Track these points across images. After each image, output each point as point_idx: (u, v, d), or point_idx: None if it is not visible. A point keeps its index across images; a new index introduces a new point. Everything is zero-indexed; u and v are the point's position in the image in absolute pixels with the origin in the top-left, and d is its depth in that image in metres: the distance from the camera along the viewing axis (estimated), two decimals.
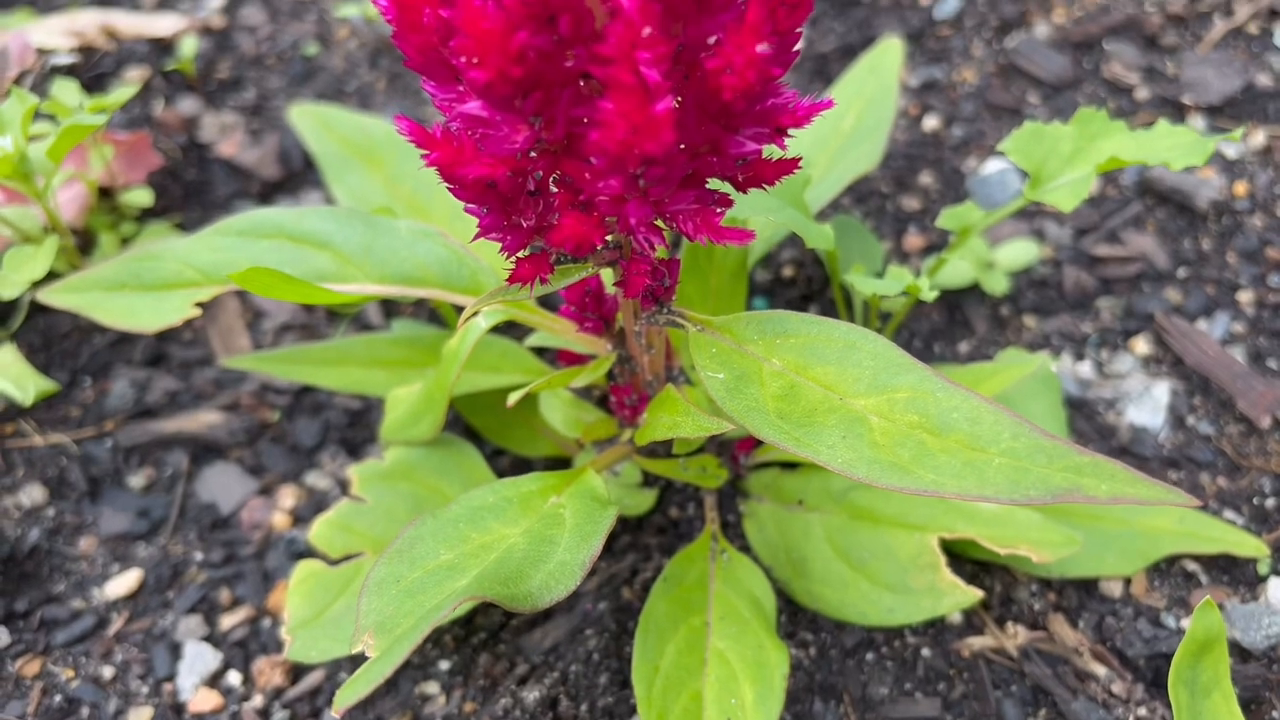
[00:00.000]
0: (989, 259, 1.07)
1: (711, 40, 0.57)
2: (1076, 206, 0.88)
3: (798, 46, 0.60)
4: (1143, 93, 1.22)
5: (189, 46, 1.22)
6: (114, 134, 1.08)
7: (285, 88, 1.26)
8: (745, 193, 0.65)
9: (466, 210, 0.63)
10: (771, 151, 0.66)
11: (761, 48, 0.54)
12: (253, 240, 0.82)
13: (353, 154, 1.03)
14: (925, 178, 1.17)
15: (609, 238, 0.66)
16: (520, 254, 0.65)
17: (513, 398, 0.75)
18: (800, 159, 0.63)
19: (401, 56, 1.28)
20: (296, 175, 1.18)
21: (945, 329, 1.06)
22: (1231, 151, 1.17)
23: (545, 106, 0.56)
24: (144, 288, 0.83)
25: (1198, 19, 1.30)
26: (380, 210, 0.83)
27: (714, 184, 0.65)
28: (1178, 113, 1.20)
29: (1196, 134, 0.85)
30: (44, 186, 0.91)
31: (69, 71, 1.22)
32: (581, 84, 0.57)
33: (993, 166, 1.16)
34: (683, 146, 0.59)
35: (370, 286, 0.80)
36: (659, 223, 0.63)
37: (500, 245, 0.63)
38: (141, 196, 1.05)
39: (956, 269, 1.03)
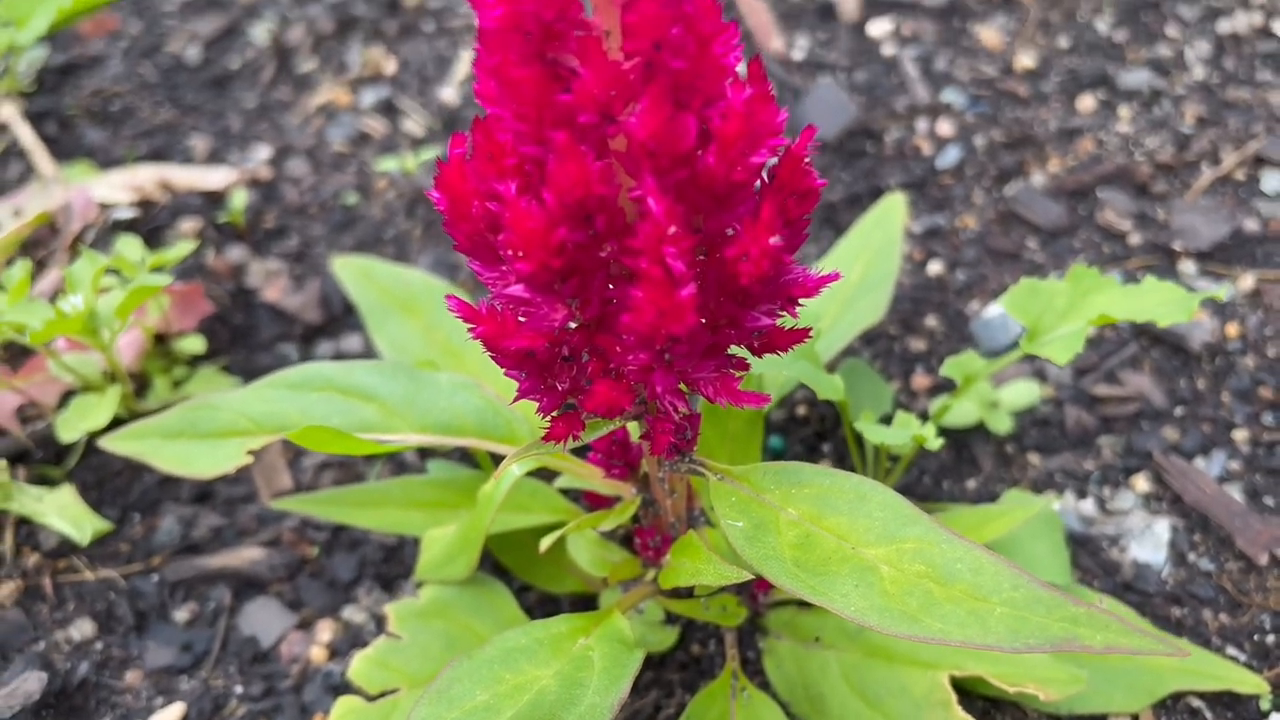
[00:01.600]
0: (993, 399, 1.12)
1: (730, 230, 0.64)
2: (1071, 360, 0.94)
3: (807, 230, 0.67)
4: (1135, 238, 1.29)
5: (239, 199, 1.31)
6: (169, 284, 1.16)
7: (326, 235, 1.35)
8: (761, 357, 0.71)
9: (506, 374, 0.69)
10: (785, 319, 0.72)
11: (774, 240, 0.61)
12: (304, 392, 0.88)
13: (392, 303, 1.11)
14: (931, 320, 1.23)
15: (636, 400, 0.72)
16: (554, 413, 0.71)
17: (545, 543, 0.80)
18: (810, 329, 0.69)
19: (435, 207, 1.37)
20: (337, 319, 1.25)
21: (953, 466, 1.11)
22: (1223, 295, 1.23)
23: (581, 290, 0.63)
24: (200, 436, 0.89)
25: (1186, 167, 1.38)
26: (422, 363, 0.90)
27: (732, 349, 0.71)
28: (1169, 258, 1.26)
29: (1182, 291, 0.91)
30: (109, 339, 0.98)
31: (129, 226, 1.31)
32: (612, 267, 0.64)
33: (995, 310, 1.23)
34: (704, 321, 0.66)
35: (413, 436, 0.86)
36: (682, 386, 0.69)
37: (537, 406, 0.70)
38: (194, 344, 1.12)
39: (962, 410, 1.09)
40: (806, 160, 0.65)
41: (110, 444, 0.91)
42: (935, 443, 0.88)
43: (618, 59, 0.57)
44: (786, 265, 0.66)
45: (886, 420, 1.10)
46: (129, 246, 1.10)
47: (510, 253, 0.60)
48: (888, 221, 1.11)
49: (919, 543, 0.69)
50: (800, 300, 0.70)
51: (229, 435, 0.89)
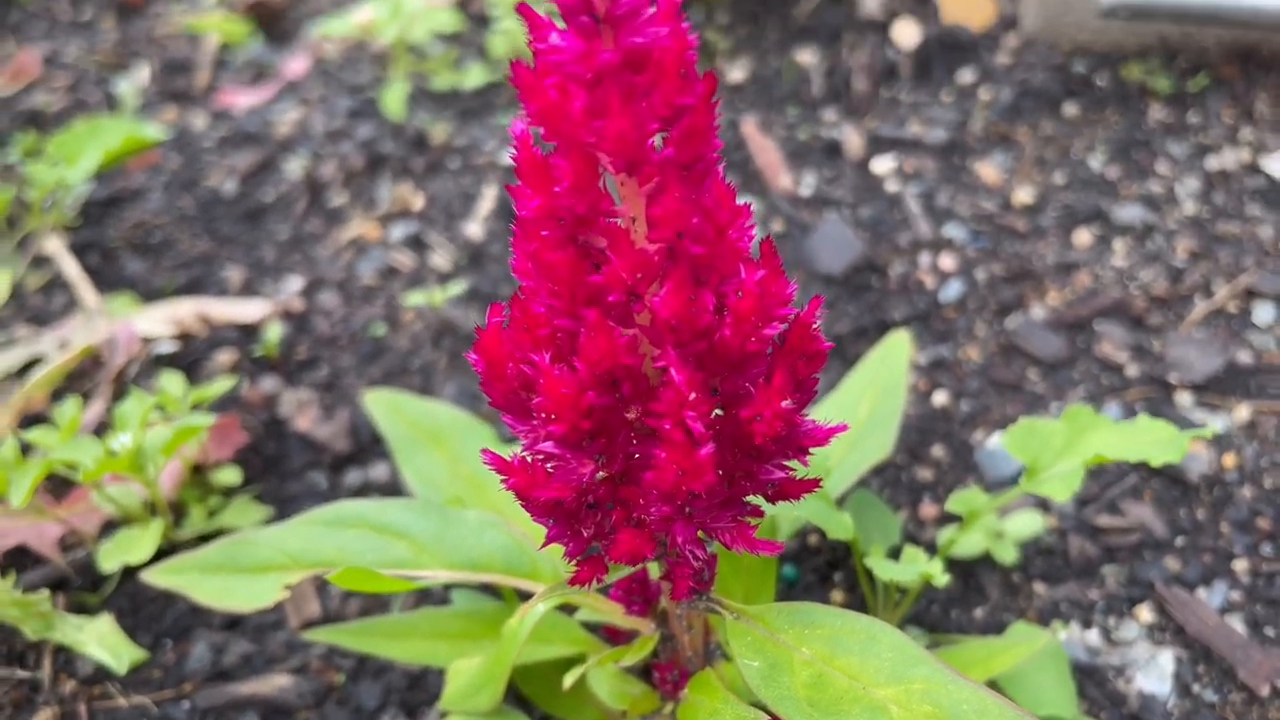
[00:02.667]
0: (998, 530, 1.16)
1: (745, 388, 0.69)
2: (1069, 498, 0.98)
3: (816, 387, 0.73)
4: (1132, 370, 1.34)
5: (273, 333, 1.37)
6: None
7: (356, 366, 1.41)
8: (775, 504, 0.76)
9: (535, 520, 0.73)
10: (796, 467, 0.77)
11: (786, 403, 0.66)
12: (339, 530, 0.93)
13: (419, 436, 1.16)
14: (937, 450, 1.28)
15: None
16: (580, 558, 0.76)
17: (569, 679, 0.83)
18: (820, 480, 0.74)
19: (461, 338, 1.43)
20: (365, 448, 1.30)
21: (961, 596, 1.14)
22: (1219, 426, 1.28)
23: (607, 447, 0.68)
24: (239, 570, 0.94)
25: (1179, 300, 1.44)
26: (450, 500, 0.94)
27: (747, 497, 0.75)
28: (1165, 390, 1.31)
29: (1173, 430, 0.96)
30: (154, 474, 1.03)
31: (170, 360, 1.37)
32: (635, 425, 0.69)
33: (998, 440, 1.27)
34: (721, 473, 0.70)
35: (443, 573, 0.90)
36: (700, 534, 0.73)
37: (564, 551, 0.74)
38: (230, 476, 1.17)
39: (968, 542, 1.13)
40: (814, 326, 0.71)
41: (152, 577, 0.95)
42: (941, 579, 0.92)
43: (643, 245, 0.63)
44: (798, 422, 0.71)
45: (895, 552, 1.14)
46: (172, 382, 1.16)
47: (543, 415, 0.66)
48: (893, 358, 1.16)
49: (926, 683, 0.72)
50: (811, 450, 0.74)
51: (267, 570, 0.93)
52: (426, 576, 0.90)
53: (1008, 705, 0.69)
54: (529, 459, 0.72)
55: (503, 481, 0.72)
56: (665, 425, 0.64)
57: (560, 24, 0.59)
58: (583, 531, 0.74)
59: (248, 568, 0.94)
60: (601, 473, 0.70)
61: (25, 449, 1.16)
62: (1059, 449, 0.98)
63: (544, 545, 0.73)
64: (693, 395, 0.63)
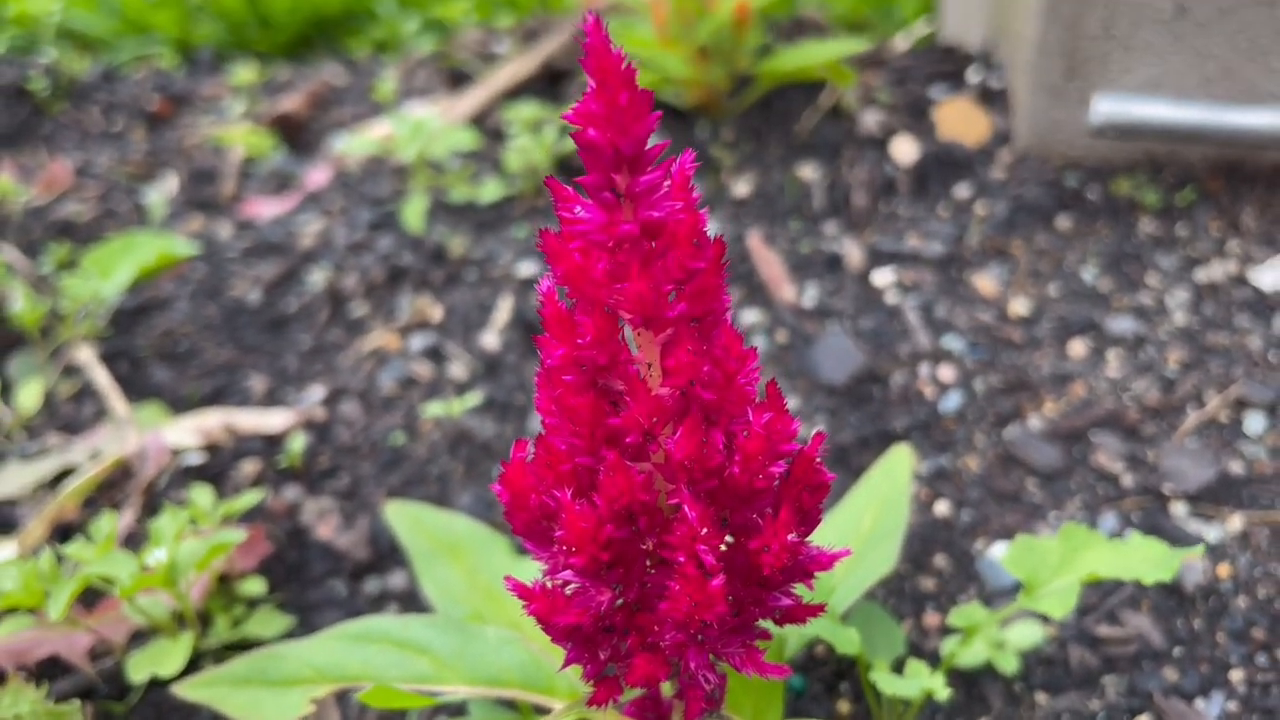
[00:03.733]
0: (1000, 639, 1.19)
1: (753, 517, 0.74)
2: (1065, 615, 1.02)
3: (821, 516, 0.77)
4: (1127, 480, 1.39)
5: (296, 444, 1.42)
6: (234, 525, 1.26)
7: (375, 474, 1.46)
8: (782, 627, 0.80)
9: (554, 643, 0.78)
10: (802, 591, 0.81)
11: (791, 537, 0.71)
12: (364, 645, 0.97)
13: (438, 548, 1.20)
14: (939, 560, 1.32)
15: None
16: (596, 679, 0.80)
17: None
18: (825, 605, 0.78)
19: (476, 447, 1.48)
20: (384, 557, 1.35)
21: (964, 705, 1.17)
22: (1212, 536, 1.32)
23: (624, 576, 0.72)
24: (267, 684, 0.98)
25: (1172, 410, 1.48)
26: (471, 617, 0.98)
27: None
28: (1160, 501, 1.35)
29: (1164, 548, 1.00)
30: (185, 589, 1.07)
31: (198, 471, 1.42)
32: (650, 554, 0.73)
33: (999, 550, 1.31)
34: (731, 599, 0.75)
35: (463, 688, 0.94)
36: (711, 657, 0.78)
37: (582, 672, 0.78)
38: (255, 586, 1.21)
39: (970, 653, 1.16)
40: (817, 460, 0.76)
41: (182, 690, 0.99)
42: (943, 694, 0.95)
43: (659, 390, 0.69)
44: (804, 551, 0.76)
45: (900, 663, 1.17)
46: (202, 495, 1.21)
47: (564, 547, 0.70)
48: (896, 472, 1.21)
49: None
50: (815, 574, 0.79)
51: (294, 684, 0.97)
52: (447, 692, 0.94)
53: None
54: (549, 584, 0.77)
55: (524, 607, 0.76)
56: (679, 557, 0.69)
57: (584, 195, 0.66)
58: (600, 654, 0.78)
59: (275, 681, 0.97)
60: (619, 600, 0.74)
61: (59, 556, 1.21)
62: (1055, 566, 1.02)
63: (563, 667, 0.77)
64: (704, 530, 0.68)
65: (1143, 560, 0.99)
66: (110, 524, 1.09)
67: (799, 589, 0.78)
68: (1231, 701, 1.14)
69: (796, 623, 0.79)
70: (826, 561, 0.79)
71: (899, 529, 1.15)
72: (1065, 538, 1.03)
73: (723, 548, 0.72)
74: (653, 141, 0.62)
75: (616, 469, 0.67)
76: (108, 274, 1.61)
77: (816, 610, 0.78)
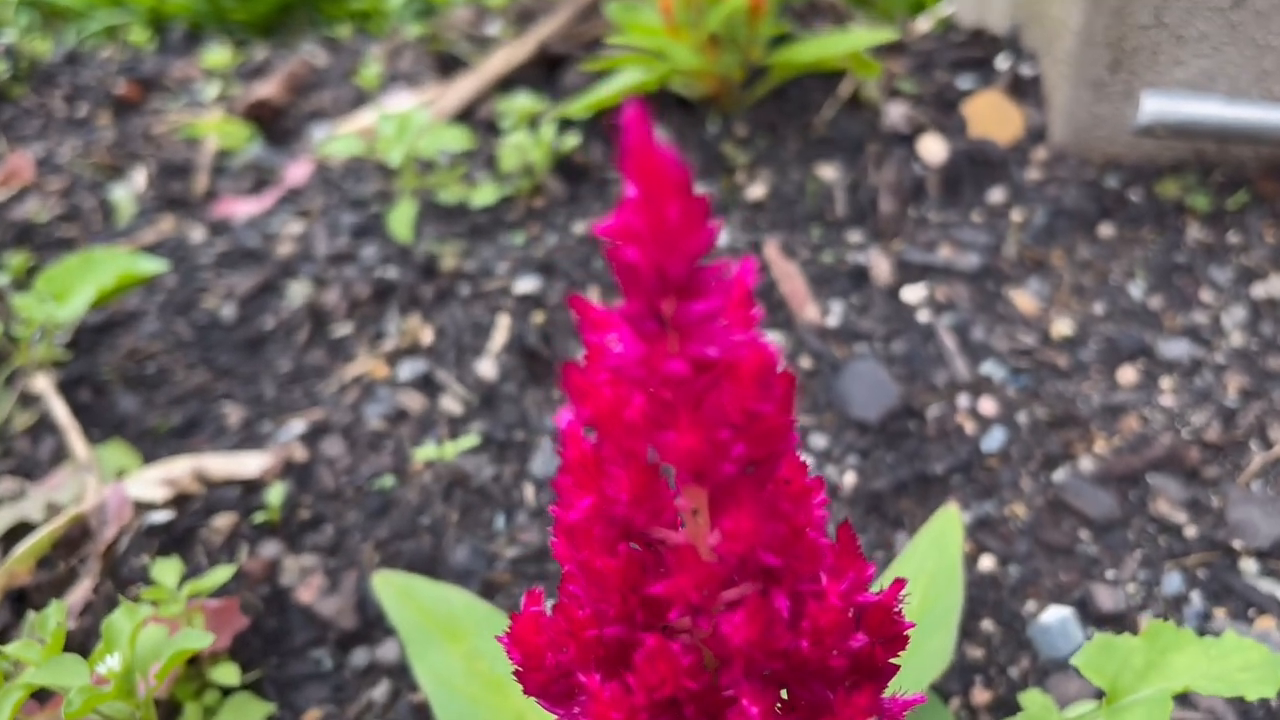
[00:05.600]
0: None
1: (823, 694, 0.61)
2: None
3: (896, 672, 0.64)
4: (1191, 531, 1.26)
5: (275, 495, 1.29)
6: (204, 602, 1.12)
7: (362, 524, 1.32)
8: None
9: None
10: None
11: None
12: None
13: (433, 627, 1.07)
14: (986, 624, 1.19)
15: None
16: None
17: None
18: None
19: (472, 491, 1.34)
20: (372, 624, 1.22)
21: None
22: None
23: None
24: None
25: (1234, 446, 1.36)
26: (471, 706, 0.85)
27: None
28: (1228, 556, 1.23)
29: (1266, 652, 0.87)
30: (145, 696, 0.94)
31: (165, 530, 1.28)
32: None
33: (1053, 615, 1.19)
34: None
35: None
36: None
37: None
38: (228, 674, 1.08)
39: None
40: (896, 610, 0.63)
41: None
42: None
43: (707, 551, 0.55)
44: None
45: None
46: (165, 572, 1.08)
47: None
48: (945, 541, 1.08)
49: None
50: None
51: None
52: None
53: None
54: None
55: None
56: None
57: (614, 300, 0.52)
58: None
59: None
60: None
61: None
62: (1140, 671, 0.89)
63: None
64: None
65: (1242, 670, 0.86)
66: (59, 616, 0.96)
67: None
68: None
69: None
70: (898, 712, 0.67)
71: (953, 613, 1.02)
72: (1150, 637, 0.90)
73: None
74: (703, 260, 0.48)
75: (658, 655, 0.54)
76: (64, 297, 1.46)
77: None
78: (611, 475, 0.54)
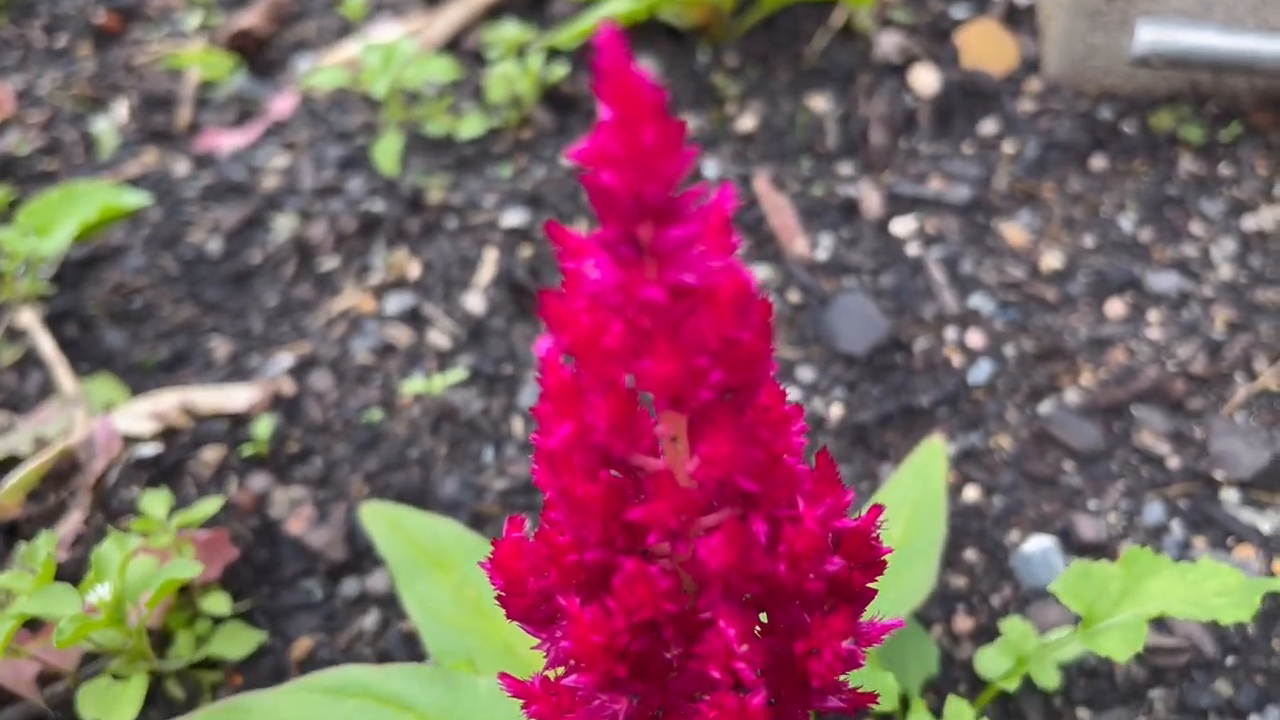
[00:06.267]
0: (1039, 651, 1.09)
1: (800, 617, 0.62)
2: (1129, 659, 0.91)
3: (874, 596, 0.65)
4: (1174, 462, 1.27)
5: (263, 428, 1.29)
6: (194, 533, 1.13)
7: (351, 457, 1.33)
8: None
9: None
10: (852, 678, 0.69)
11: (847, 643, 0.58)
12: (341, 699, 0.85)
13: (421, 559, 1.08)
14: (969, 553, 1.21)
15: None
16: None
17: None
18: (877, 695, 0.67)
19: (461, 424, 1.35)
20: (362, 554, 1.23)
21: None
22: (1267, 526, 1.21)
23: (645, 688, 0.60)
24: None
25: (1220, 379, 1.36)
26: (459, 665, 0.87)
27: None
28: (1210, 486, 1.24)
29: (1241, 577, 0.88)
30: (137, 624, 0.95)
31: (154, 463, 1.29)
32: (676, 661, 0.61)
33: (1035, 544, 1.20)
34: (772, 701, 0.63)
35: None
36: None
37: None
38: (219, 603, 1.09)
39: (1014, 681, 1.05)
40: (874, 536, 0.63)
41: None
42: None
43: (686, 477, 0.56)
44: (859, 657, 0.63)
45: (934, 685, 1.07)
46: (154, 503, 1.08)
47: (573, 661, 0.58)
48: (928, 472, 1.09)
49: None
50: (866, 655, 0.67)
51: None
52: None
53: None
54: (552, 678, 0.65)
55: (523, 708, 0.65)
56: (711, 670, 0.57)
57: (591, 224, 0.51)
58: None
59: None
60: (636, 709, 0.62)
61: None
62: (1116, 596, 0.91)
63: None
64: (744, 647, 0.56)
65: (1217, 594, 0.88)
66: (49, 547, 0.96)
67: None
68: None
69: (846, 715, 0.67)
70: (876, 636, 0.67)
71: (935, 543, 1.03)
72: (1127, 564, 0.91)
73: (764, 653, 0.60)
74: (681, 186, 0.47)
75: (636, 578, 0.55)
76: (46, 231, 1.45)
77: (870, 700, 0.66)
78: (590, 402, 0.54)
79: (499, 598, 0.64)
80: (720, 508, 0.56)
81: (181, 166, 1.90)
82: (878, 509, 0.63)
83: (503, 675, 0.65)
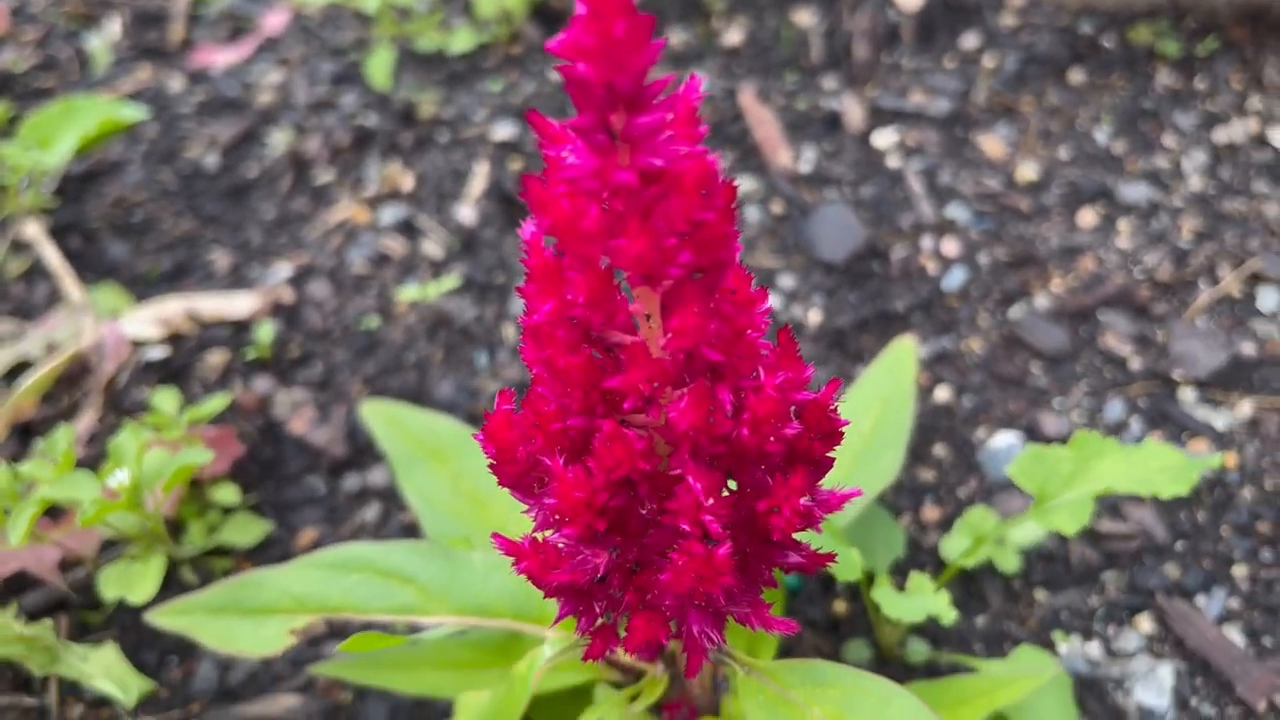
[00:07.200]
0: (1000, 536, 1.16)
1: (762, 478, 0.68)
2: (1078, 532, 0.98)
3: (832, 465, 0.71)
4: (1135, 364, 1.33)
5: (265, 333, 1.34)
6: (202, 429, 1.19)
7: (350, 361, 1.38)
8: (788, 575, 0.75)
9: (546, 597, 0.73)
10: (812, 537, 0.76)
11: (804, 500, 0.65)
12: (345, 573, 0.92)
13: (420, 452, 1.14)
14: (939, 449, 1.27)
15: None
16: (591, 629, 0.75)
17: None
18: (835, 555, 0.73)
19: (455, 331, 1.40)
20: (363, 451, 1.29)
21: (963, 603, 1.15)
22: (1220, 423, 1.27)
23: (623, 541, 0.67)
24: (244, 613, 0.93)
25: (1184, 285, 1.42)
26: (456, 542, 0.93)
27: None
28: (1168, 386, 1.30)
29: (1181, 457, 0.95)
30: (153, 508, 1.02)
31: (161, 366, 1.34)
32: (650, 517, 0.68)
33: (1001, 440, 1.27)
34: (737, 557, 0.70)
35: (450, 619, 0.90)
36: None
37: (576, 625, 0.74)
38: (228, 494, 1.15)
39: (975, 559, 1.13)
40: (832, 408, 0.69)
41: (156, 618, 0.95)
42: (949, 615, 0.92)
43: (659, 349, 0.61)
44: (813, 490, 0.69)
45: (900, 567, 1.14)
46: (165, 400, 1.14)
47: (557, 517, 0.64)
48: (899, 369, 1.15)
49: None
50: (825, 518, 0.73)
51: (271, 613, 0.92)
52: (434, 623, 0.90)
53: None
54: (540, 539, 0.71)
55: (514, 565, 0.71)
56: (682, 523, 0.63)
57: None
58: (595, 608, 0.73)
59: (252, 610, 0.93)
60: (615, 561, 0.69)
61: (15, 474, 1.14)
62: (1067, 477, 0.97)
63: (556, 622, 0.73)
64: (710, 501, 0.62)
65: (1159, 471, 0.94)
66: (68, 439, 1.02)
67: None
68: (1234, 599, 1.13)
69: (806, 573, 0.74)
70: (836, 503, 0.74)
71: (903, 434, 1.09)
72: (1077, 446, 0.98)
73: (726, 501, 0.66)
74: (653, 76, 0.52)
75: (614, 438, 0.61)
76: (47, 144, 1.48)
77: (827, 559, 0.73)
78: (570, 281, 0.59)
79: (491, 466, 0.70)
80: (691, 380, 0.62)
81: (176, 83, 1.92)
82: (836, 382, 0.68)
83: (495, 535, 0.71)
